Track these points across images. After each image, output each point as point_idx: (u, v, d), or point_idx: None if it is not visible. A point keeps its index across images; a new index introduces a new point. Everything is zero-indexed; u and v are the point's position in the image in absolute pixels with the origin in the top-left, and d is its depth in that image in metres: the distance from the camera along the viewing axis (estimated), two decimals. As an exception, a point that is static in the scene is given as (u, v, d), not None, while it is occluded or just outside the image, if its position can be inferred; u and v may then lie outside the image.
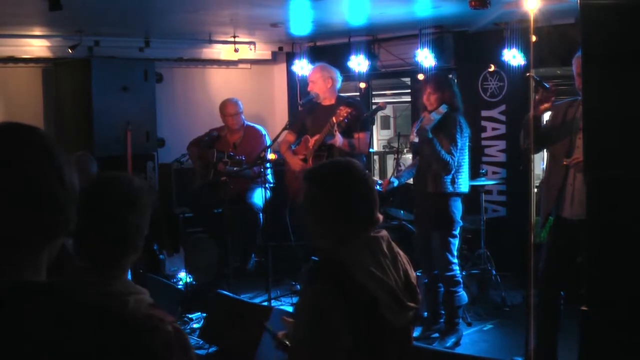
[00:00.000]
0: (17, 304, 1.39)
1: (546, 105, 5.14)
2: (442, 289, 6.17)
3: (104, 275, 2.22)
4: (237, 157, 7.41)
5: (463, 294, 6.09)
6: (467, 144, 6.11)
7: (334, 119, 6.63)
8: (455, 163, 5.92)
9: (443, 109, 5.99)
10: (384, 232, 2.75)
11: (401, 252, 2.80)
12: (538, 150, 5.58)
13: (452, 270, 6.03)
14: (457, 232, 6.07)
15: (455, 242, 6.08)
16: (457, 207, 6.03)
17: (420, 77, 7.62)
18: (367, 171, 2.83)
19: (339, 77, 7.16)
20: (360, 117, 6.74)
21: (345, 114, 6.56)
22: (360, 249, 2.62)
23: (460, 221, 6.12)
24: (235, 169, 7.42)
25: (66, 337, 1.39)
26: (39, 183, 1.46)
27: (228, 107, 8.13)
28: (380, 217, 2.77)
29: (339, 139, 6.68)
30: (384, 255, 2.67)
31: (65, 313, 1.42)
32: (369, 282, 2.55)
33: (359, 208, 2.69)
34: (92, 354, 1.40)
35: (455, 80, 8.49)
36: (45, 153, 1.49)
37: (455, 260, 6.08)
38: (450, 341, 6.00)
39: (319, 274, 2.66)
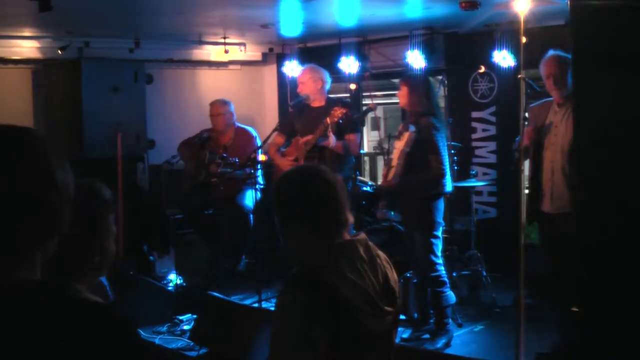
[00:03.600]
0: (14, 303, 1.40)
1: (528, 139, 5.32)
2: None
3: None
4: (231, 159, 7.40)
5: (450, 294, 6.06)
6: (445, 143, 6.07)
7: (328, 119, 6.59)
8: (445, 167, 5.92)
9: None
10: (362, 235, 2.73)
11: (381, 255, 2.77)
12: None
13: (437, 270, 5.99)
14: (438, 232, 6.02)
15: (438, 243, 6.02)
16: (437, 208, 6.00)
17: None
18: (334, 175, 2.78)
19: (328, 79, 7.16)
20: (352, 119, 6.74)
21: (340, 115, 6.53)
22: (335, 254, 2.60)
23: (442, 221, 6.08)
24: (229, 170, 7.41)
25: (64, 334, 1.39)
26: (28, 185, 1.47)
27: (212, 107, 8.17)
28: (351, 218, 2.74)
29: (332, 140, 6.65)
30: (361, 260, 2.64)
31: (61, 310, 1.43)
32: (342, 288, 2.52)
33: (315, 216, 2.65)
34: (90, 350, 1.40)
35: (446, 82, 8.54)
36: (36, 155, 1.50)
37: (439, 261, 6.03)
38: (440, 342, 5.99)
39: (294, 280, 2.64)
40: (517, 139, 5.25)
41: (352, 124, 6.78)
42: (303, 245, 2.68)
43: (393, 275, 2.77)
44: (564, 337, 5.36)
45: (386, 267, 2.75)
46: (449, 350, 5.93)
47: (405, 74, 7.27)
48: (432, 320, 6.21)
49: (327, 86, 7.13)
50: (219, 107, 8.11)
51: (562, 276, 5.30)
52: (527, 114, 5.16)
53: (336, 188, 2.72)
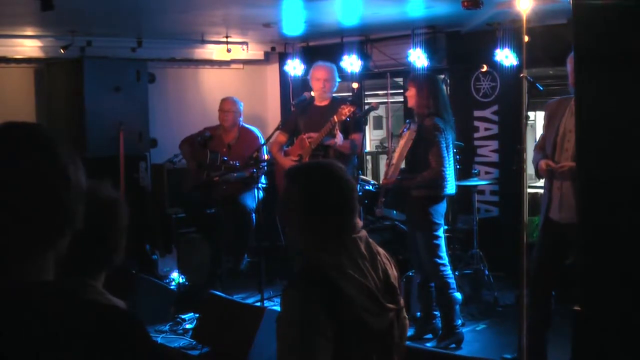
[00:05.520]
0: (26, 304, 1.40)
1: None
2: (433, 288, 6.14)
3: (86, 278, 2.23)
4: (231, 163, 7.38)
5: (456, 295, 6.03)
6: (451, 144, 6.06)
7: (335, 117, 6.53)
8: (446, 169, 5.90)
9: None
10: (363, 232, 2.73)
11: (381, 251, 2.78)
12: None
13: (441, 272, 5.97)
14: (438, 232, 5.99)
15: (440, 243, 6.00)
16: (436, 209, 5.97)
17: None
18: (350, 176, 2.79)
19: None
20: (356, 118, 6.71)
21: (347, 113, 6.46)
22: (337, 251, 2.61)
23: (442, 222, 6.06)
24: (229, 174, 7.39)
25: (74, 337, 1.39)
26: (41, 183, 1.46)
27: (223, 103, 8.16)
28: (360, 222, 2.75)
29: (339, 139, 6.58)
30: (362, 257, 2.65)
31: (72, 313, 1.43)
32: (347, 286, 2.53)
33: (340, 212, 2.66)
34: (100, 353, 1.40)
35: (449, 81, 8.54)
36: (48, 152, 1.49)
37: (444, 261, 6.00)
38: (449, 345, 5.96)
39: (298, 277, 2.65)
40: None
41: (357, 123, 6.76)
42: (314, 242, 2.68)
43: (393, 272, 2.78)
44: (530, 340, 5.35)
45: (386, 264, 2.76)
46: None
47: (413, 74, 7.24)
48: (434, 321, 6.21)
49: (337, 85, 7.13)
50: (230, 104, 8.12)
51: (548, 283, 5.29)
52: (528, 113, 5.12)
53: (355, 190, 2.75)
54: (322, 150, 6.77)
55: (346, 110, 6.48)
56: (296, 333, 2.47)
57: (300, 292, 2.53)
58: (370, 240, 2.76)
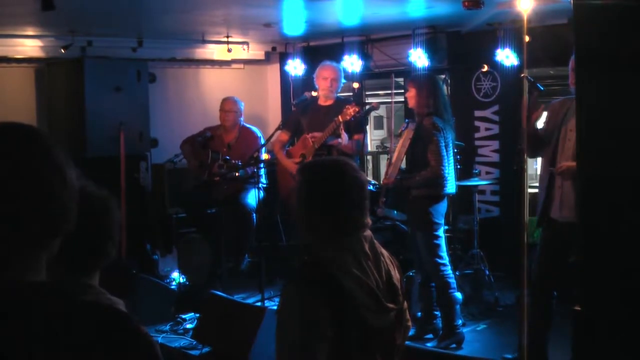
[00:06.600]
0: (24, 306, 1.40)
1: (537, 113, 5.18)
2: (434, 287, 6.14)
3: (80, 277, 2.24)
4: (233, 162, 7.38)
5: (456, 295, 6.03)
6: (451, 143, 6.07)
7: (340, 117, 6.52)
8: (445, 168, 5.91)
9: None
10: (368, 232, 2.74)
11: (384, 252, 2.78)
12: (536, 155, 5.63)
13: (441, 271, 5.96)
14: (438, 232, 6.00)
15: (440, 243, 6.00)
16: (436, 209, 5.97)
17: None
18: (362, 174, 2.79)
19: None
20: (359, 118, 6.69)
21: (352, 113, 6.44)
22: (341, 249, 2.61)
23: (442, 222, 6.07)
24: (231, 173, 7.39)
25: (75, 336, 1.39)
26: (41, 183, 1.46)
27: (224, 103, 8.17)
28: (369, 221, 2.75)
29: (345, 139, 6.58)
30: (366, 256, 2.65)
31: (73, 313, 1.43)
32: (349, 283, 2.54)
33: (347, 210, 2.66)
34: (100, 352, 1.40)
35: (449, 81, 8.53)
36: (46, 153, 1.49)
37: (444, 261, 5.99)
38: (450, 345, 5.95)
39: (299, 274, 2.66)
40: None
41: (359, 123, 6.75)
42: (318, 238, 2.69)
43: (396, 273, 2.78)
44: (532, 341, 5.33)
45: (389, 265, 2.76)
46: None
47: (412, 74, 7.25)
48: (435, 321, 6.20)
49: (341, 85, 7.12)
50: (231, 104, 8.14)
51: (550, 283, 5.28)
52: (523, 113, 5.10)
53: (365, 187, 2.74)
54: (326, 151, 6.76)
55: (351, 111, 6.46)
56: (295, 331, 2.48)
57: (300, 290, 2.54)
58: (375, 241, 2.76)
